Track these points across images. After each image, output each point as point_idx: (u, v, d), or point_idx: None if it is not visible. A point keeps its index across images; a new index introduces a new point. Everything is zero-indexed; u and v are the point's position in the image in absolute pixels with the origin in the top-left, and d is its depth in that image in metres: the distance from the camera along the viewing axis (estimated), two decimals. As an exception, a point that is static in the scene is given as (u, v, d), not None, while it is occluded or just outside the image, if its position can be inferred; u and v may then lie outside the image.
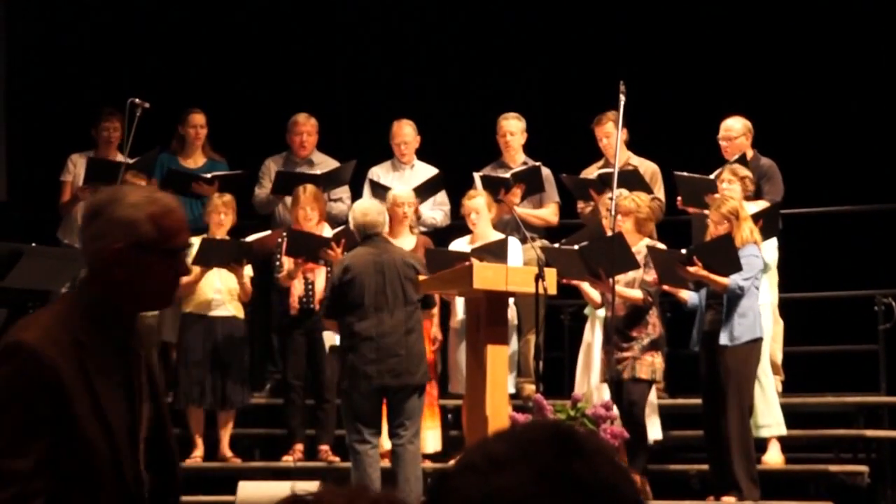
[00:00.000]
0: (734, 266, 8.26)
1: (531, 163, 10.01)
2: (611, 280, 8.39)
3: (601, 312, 8.94)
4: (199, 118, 10.31)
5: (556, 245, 9.06)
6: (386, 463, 8.73)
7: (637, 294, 8.60)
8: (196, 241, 9.43)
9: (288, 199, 9.85)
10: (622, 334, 8.55)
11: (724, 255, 8.29)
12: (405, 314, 8.40)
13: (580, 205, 10.03)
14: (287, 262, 9.43)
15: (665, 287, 8.71)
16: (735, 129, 9.47)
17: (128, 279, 3.26)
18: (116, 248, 3.25)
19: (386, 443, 8.72)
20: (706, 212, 8.80)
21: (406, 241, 9.32)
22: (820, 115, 10.85)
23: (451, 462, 6.42)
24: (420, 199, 9.82)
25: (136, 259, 3.26)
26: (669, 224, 9.78)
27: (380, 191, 9.83)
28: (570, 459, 1.83)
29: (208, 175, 9.94)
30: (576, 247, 8.70)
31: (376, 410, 8.42)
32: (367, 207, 8.66)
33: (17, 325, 3.26)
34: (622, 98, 8.71)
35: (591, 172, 9.88)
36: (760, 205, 9.02)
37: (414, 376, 8.40)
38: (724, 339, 8.32)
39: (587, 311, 9.37)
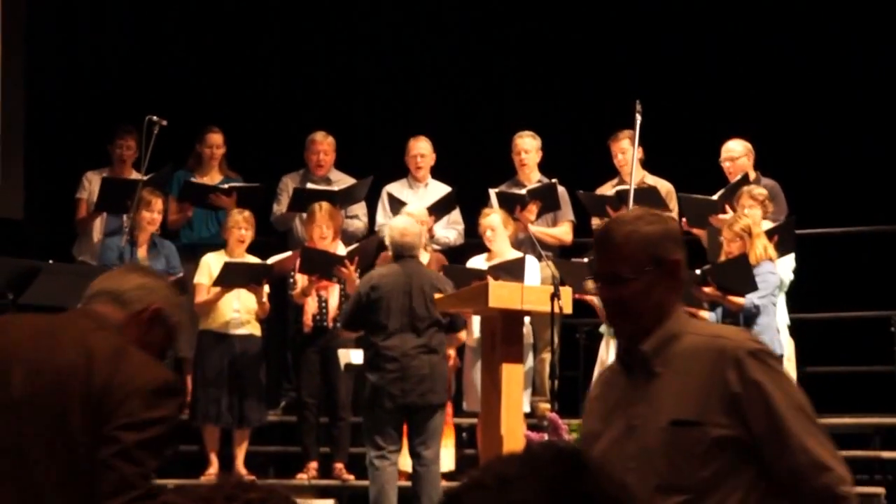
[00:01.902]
0: (750, 285, 8.23)
1: (546, 181, 10.02)
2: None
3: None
4: (216, 138, 10.33)
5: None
6: (402, 482, 8.71)
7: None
8: (214, 259, 9.48)
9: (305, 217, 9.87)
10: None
11: (740, 275, 8.27)
12: (429, 335, 8.42)
13: (595, 221, 10.03)
14: (301, 280, 9.44)
15: None
16: (736, 151, 9.54)
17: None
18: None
19: (404, 462, 8.71)
20: (722, 218, 8.80)
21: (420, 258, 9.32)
22: (837, 135, 10.85)
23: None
24: (434, 218, 9.83)
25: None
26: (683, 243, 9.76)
27: (396, 205, 9.84)
28: (578, 476, 1.87)
29: (226, 186, 9.96)
30: (585, 259, 8.71)
31: (398, 428, 8.43)
32: (405, 227, 8.67)
33: (139, 360, 3.45)
34: (638, 118, 8.72)
35: (606, 190, 9.89)
36: (769, 225, 9.01)
37: (436, 396, 8.42)
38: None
39: (602, 329, 9.36)
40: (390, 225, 8.91)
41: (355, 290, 8.72)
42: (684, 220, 9.47)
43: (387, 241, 8.78)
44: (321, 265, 9.32)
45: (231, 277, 9.31)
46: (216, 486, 2.04)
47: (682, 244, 3.36)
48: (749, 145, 9.57)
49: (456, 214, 10.20)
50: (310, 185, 10.14)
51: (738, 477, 3.15)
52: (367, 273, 8.88)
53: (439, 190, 10.15)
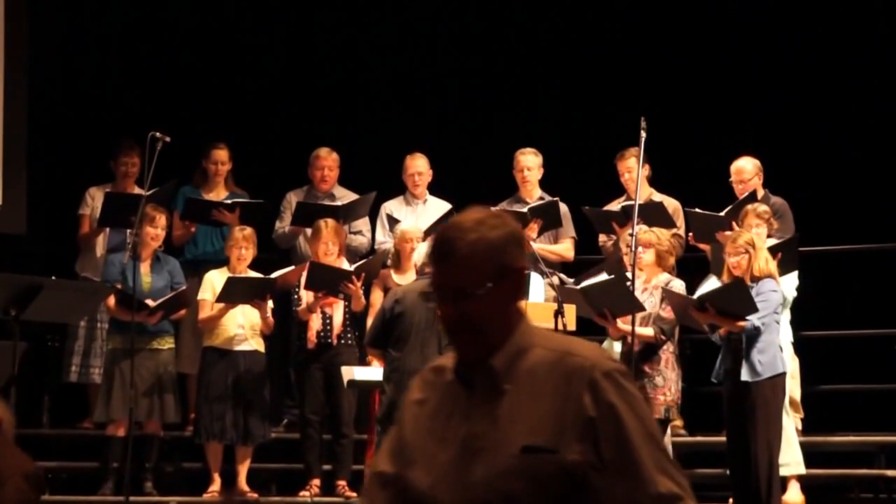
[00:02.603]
0: (750, 308, 8.21)
1: (548, 198, 10.01)
2: (626, 318, 8.37)
3: (618, 346, 8.91)
4: (221, 154, 10.33)
5: (564, 284, 9.03)
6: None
7: (648, 332, 8.55)
8: (217, 276, 9.47)
9: (309, 233, 9.86)
10: (636, 369, 8.50)
11: (738, 299, 8.24)
12: (446, 353, 8.38)
13: (602, 238, 10.02)
14: (306, 296, 9.42)
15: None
16: (747, 171, 9.53)
17: None
18: None
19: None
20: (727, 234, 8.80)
21: (412, 276, 9.28)
22: (842, 152, 10.84)
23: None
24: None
25: None
26: (688, 260, 9.75)
27: (393, 223, 9.85)
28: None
29: (229, 202, 9.96)
30: (578, 287, 8.69)
31: None
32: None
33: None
34: (643, 134, 8.72)
35: (613, 208, 9.87)
36: (773, 242, 9.00)
37: None
38: (745, 376, 8.26)
39: (605, 344, 9.34)
40: (421, 244, 8.94)
41: (380, 307, 8.69)
42: (691, 235, 9.47)
43: (415, 257, 8.78)
44: (328, 281, 9.30)
45: (234, 293, 9.29)
46: None
47: (524, 247, 3.11)
48: (758, 163, 9.56)
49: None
50: (314, 202, 10.12)
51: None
52: (392, 289, 8.88)
53: (438, 206, 10.14)
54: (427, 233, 9.66)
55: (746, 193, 9.33)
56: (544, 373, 2.96)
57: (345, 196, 10.24)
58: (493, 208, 9.38)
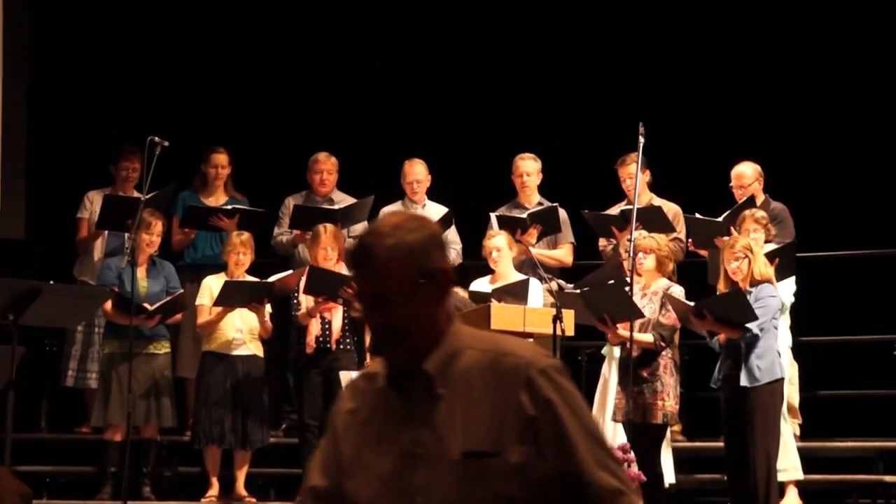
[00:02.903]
0: (748, 316, 8.21)
1: (546, 203, 10.01)
2: (626, 324, 8.37)
3: (617, 351, 8.91)
4: (221, 158, 10.33)
5: (563, 289, 9.03)
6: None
7: (647, 338, 8.55)
8: (214, 281, 9.47)
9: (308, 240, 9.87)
10: (635, 375, 8.51)
11: (737, 308, 8.24)
12: None
13: (602, 242, 10.02)
14: (306, 301, 9.41)
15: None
16: (748, 176, 9.53)
17: None
18: None
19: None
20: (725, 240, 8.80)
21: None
22: (841, 158, 10.85)
23: None
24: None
25: None
26: (687, 265, 9.75)
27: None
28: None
29: (229, 207, 9.95)
30: (578, 291, 8.70)
31: None
32: None
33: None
34: (641, 140, 8.72)
35: (613, 212, 9.88)
36: (771, 248, 9.00)
37: None
38: (744, 381, 8.26)
39: (605, 350, 9.34)
40: None
41: None
42: (690, 241, 9.48)
43: None
44: (327, 286, 9.29)
45: (232, 296, 9.29)
46: None
47: (446, 248, 3.04)
48: (759, 168, 9.56)
49: (453, 234, 10.17)
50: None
51: None
52: None
53: (436, 211, 10.13)
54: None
55: (745, 199, 9.34)
56: (480, 375, 2.91)
57: (343, 200, 10.24)
58: (493, 214, 9.25)
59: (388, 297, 2.89)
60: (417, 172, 10.26)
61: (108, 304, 9.31)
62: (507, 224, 9.73)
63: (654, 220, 9.19)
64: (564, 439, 2.88)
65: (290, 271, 9.69)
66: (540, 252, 9.84)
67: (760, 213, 8.97)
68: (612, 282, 8.66)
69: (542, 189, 10.21)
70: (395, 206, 10.27)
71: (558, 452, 2.87)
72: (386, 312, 2.90)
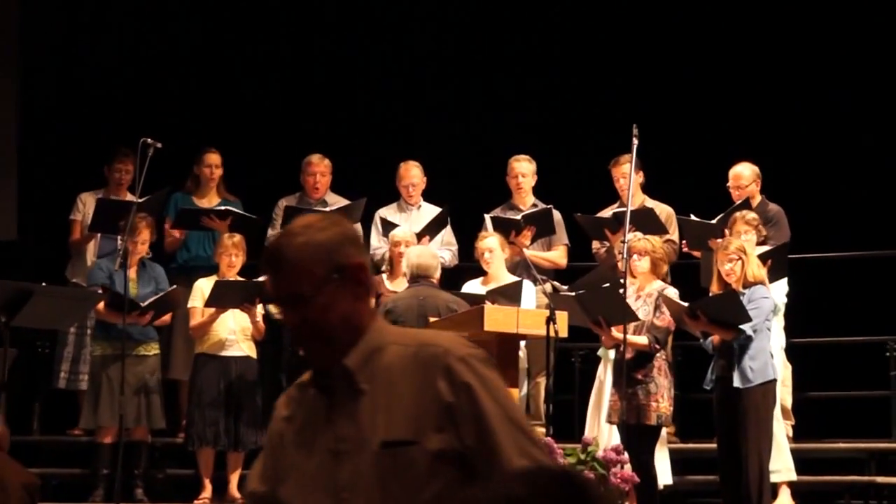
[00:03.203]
0: (742, 318, 8.21)
1: (541, 205, 10.02)
2: (620, 326, 8.37)
3: (612, 354, 8.91)
4: (214, 158, 10.32)
5: (557, 291, 9.04)
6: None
7: (642, 340, 8.55)
8: (206, 284, 9.46)
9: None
10: (629, 377, 8.51)
11: (730, 309, 8.25)
12: None
13: (595, 245, 10.03)
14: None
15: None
16: (745, 177, 9.53)
17: None
18: None
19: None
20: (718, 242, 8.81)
21: (405, 282, 9.26)
22: (832, 160, 10.86)
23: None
24: (429, 237, 9.80)
25: None
26: (680, 267, 9.76)
27: (389, 229, 9.83)
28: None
29: (221, 208, 9.93)
30: (572, 294, 8.70)
31: None
32: (421, 251, 8.73)
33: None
34: (635, 141, 8.72)
35: (605, 215, 9.88)
36: (763, 249, 9.01)
37: None
38: (737, 382, 8.28)
39: (600, 352, 9.34)
40: (409, 251, 8.93)
41: None
42: (684, 242, 9.49)
43: (404, 266, 8.77)
44: None
45: (223, 297, 9.27)
46: None
47: (363, 246, 3.04)
48: (756, 169, 9.57)
49: (449, 235, 10.18)
50: (307, 209, 10.10)
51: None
52: (382, 300, 8.87)
53: (431, 213, 10.13)
54: (420, 235, 9.67)
55: (740, 200, 9.34)
56: (401, 367, 2.89)
57: (337, 203, 10.23)
58: (488, 216, 9.23)
59: (302, 296, 2.89)
60: (413, 175, 10.26)
61: (101, 304, 9.29)
62: (502, 225, 9.73)
63: (646, 223, 9.20)
64: (483, 424, 2.84)
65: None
66: (534, 254, 9.85)
67: (751, 215, 8.98)
68: (607, 284, 8.66)
69: (536, 191, 10.21)
70: (390, 208, 10.28)
71: (477, 437, 2.83)
72: (302, 311, 2.90)
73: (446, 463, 2.84)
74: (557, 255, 10.11)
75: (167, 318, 9.57)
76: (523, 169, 10.13)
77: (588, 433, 8.83)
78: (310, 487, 2.92)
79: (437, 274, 8.73)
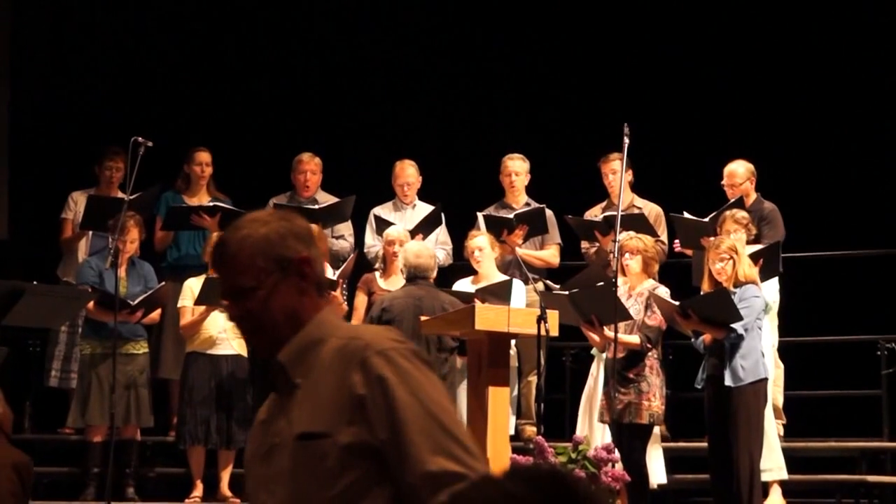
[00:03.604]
0: (733, 316, 8.22)
1: (534, 204, 10.02)
2: (612, 325, 8.38)
3: (604, 353, 8.92)
4: (204, 156, 10.32)
5: (550, 290, 9.04)
6: None
7: (634, 339, 8.56)
8: (195, 283, 9.45)
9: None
10: (620, 376, 8.52)
11: (721, 308, 8.26)
12: (439, 360, 8.38)
13: (584, 245, 10.04)
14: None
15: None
16: (739, 175, 9.52)
17: None
18: None
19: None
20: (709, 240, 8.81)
21: (399, 280, 9.27)
22: (823, 159, 10.88)
23: None
24: (422, 235, 9.80)
25: None
26: (671, 266, 9.77)
27: (384, 227, 9.83)
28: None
29: (210, 205, 9.92)
30: (566, 293, 8.70)
31: None
32: (419, 250, 8.71)
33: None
34: (626, 140, 8.73)
35: (595, 213, 9.90)
36: (755, 249, 9.01)
37: None
38: (728, 381, 8.29)
39: (594, 351, 9.35)
40: (405, 248, 8.92)
41: (367, 316, 8.69)
42: (677, 241, 9.49)
43: (400, 264, 8.76)
44: None
45: (213, 294, 9.25)
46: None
47: (310, 241, 2.99)
48: (751, 167, 9.57)
49: (444, 235, 10.18)
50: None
51: (377, 492, 2.80)
52: (380, 296, 8.87)
53: (426, 211, 10.13)
54: (413, 232, 9.66)
55: (734, 198, 9.35)
56: (329, 361, 2.88)
57: (327, 201, 10.22)
58: (480, 214, 9.22)
59: (244, 290, 2.91)
60: (409, 175, 10.25)
61: (90, 303, 9.29)
62: (494, 224, 9.73)
63: (636, 227, 9.19)
64: (395, 418, 2.77)
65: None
66: (526, 252, 9.85)
67: (741, 214, 8.98)
68: (601, 283, 8.66)
69: (529, 189, 10.21)
70: (385, 207, 10.28)
71: (390, 433, 2.78)
72: (243, 305, 2.92)
73: (358, 457, 2.79)
74: (550, 254, 10.11)
75: (156, 315, 9.57)
76: (516, 167, 10.14)
77: (580, 432, 8.83)
78: (255, 483, 2.95)
79: (434, 274, 8.74)
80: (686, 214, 9.40)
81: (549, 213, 9.96)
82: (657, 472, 8.88)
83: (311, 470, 2.83)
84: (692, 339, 8.59)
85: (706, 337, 8.44)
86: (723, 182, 9.59)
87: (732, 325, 8.23)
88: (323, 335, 2.92)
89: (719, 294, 8.32)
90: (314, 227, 9.44)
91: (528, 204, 10.08)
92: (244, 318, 2.94)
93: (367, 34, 12.13)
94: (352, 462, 2.80)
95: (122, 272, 9.46)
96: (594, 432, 8.88)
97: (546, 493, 1.94)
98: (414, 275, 8.55)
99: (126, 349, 9.43)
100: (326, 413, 2.84)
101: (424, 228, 9.88)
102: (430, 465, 2.74)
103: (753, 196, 9.54)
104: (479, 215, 9.89)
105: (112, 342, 9.10)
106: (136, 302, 9.24)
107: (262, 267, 2.91)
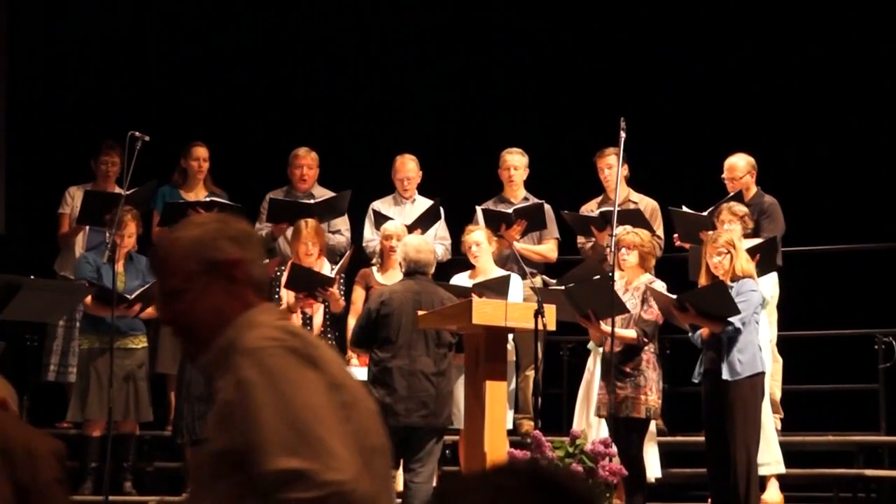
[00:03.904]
0: (730, 310, 8.22)
1: (532, 198, 10.01)
2: (608, 319, 8.37)
3: (601, 348, 8.91)
4: (201, 151, 10.32)
5: (547, 286, 9.03)
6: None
7: (630, 334, 8.55)
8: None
9: (289, 235, 9.87)
10: (617, 370, 8.51)
11: (719, 300, 8.25)
12: (437, 355, 8.37)
13: (580, 240, 10.03)
14: (287, 296, 9.40)
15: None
16: (740, 168, 9.51)
17: None
18: None
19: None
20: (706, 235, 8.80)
21: (396, 275, 9.25)
22: (821, 154, 10.87)
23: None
24: (421, 230, 9.79)
25: None
26: (667, 261, 9.76)
27: (383, 222, 9.81)
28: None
29: (207, 200, 9.92)
30: (562, 288, 8.69)
31: (401, 445, 8.30)
32: (420, 244, 8.67)
33: None
34: (622, 135, 8.71)
35: (591, 207, 9.90)
36: (752, 243, 9.00)
37: (438, 419, 8.36)
38: (725, 375, 8.28)
39: (590, 345, 9.35)
40: (405, 241, 8.90)
41: (365, 307, 8.67)
42: (676, 235, 9.48)
43: (399, 257, 8.74)
44: (307, 284, 9.28)
45: None
46: None
47: (246, 242, 2.96)
48: (752, 160, 9.55)
49: (444, 230, 10.16)
50: (294, 203, 10.10)
51: (249, 499, 2.73)
52: (378, 289, 8.85)
53: (426, 206, 10.12)
54: (411, 227, 9.65)
55: (734, 192, 9.34)
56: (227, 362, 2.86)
57: (323, 195, 10.21)
58: (479, 208, 9.20)
59: (174, 291, 2.90)
60: (409, 169, 10.23)
61: (88, 297, 9.28)
62: (493, 218, 9.73)
63: (632, 222, 9.17)
64: (251, 421, 2.71)
65: (266, 261, 9.62)
66: (524, 247, 9.84)
67: (738, 207, 8.98)
68: (597, 277, 8.66)
69: (526, 183, 10.20)
70: (385, 201, 10.26)
71: (245, 434, 2.72)
72: (172, 307, 2.91)
73: (229, 465, 2.75)
74: (548, 249, 10.11)
75: (153, 310, 9.55)
76: (515, 161, 10.13)
77: (576, 426, 8.83)
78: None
79: (433, 269, 8.72)
80: (685, 209, 9.39)
81: (547, 207, 9.95)
82: (652, 467, 8.88)
83: (196, 478, 2.84)
84: (689, 334, 8.58)
85: (703, 331, 8.44)
86: (723, 175, 9.58)
87: (730, 319, 8.23)
88: (237, 336, 2.88)
89: (717, 288, 8.31)
90: (313, 222, 9.50)
91: (526, 199, 10.07)
92: (173, 320, 2.93)
93: (365, 28, 12.12)
94: (223, 470, 2.76)
95: (119, 267, 9.46)
96: (592, 427, 8.87)
97: (536, 487, 1.94)
98: (414, 269, 8.53)
99: (124, 343, 9.43)
100: (212, 418, 2.85)
101: (423, 223, 9.86)
102: (275, 465, 2.68)
103: (754, 190, 9.53)
104: (478, 209, 9.88)
105: (111, 337, 9.10)
106: (133, 296, 9.24)
107: (193, 269, 2.90)
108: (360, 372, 9.03)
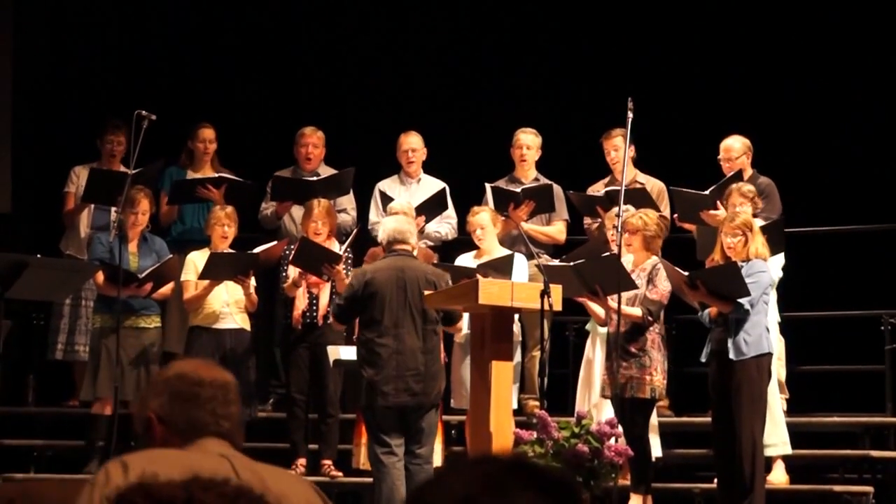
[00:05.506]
0: (741, 291, 8.20)
1: (543, 179, 9.99)
2: (616, 296, 8.36)
3: (603, 329, 8.90)
4: (208, 133, 10.29)
5: (553, 262, 9.02)
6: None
7: (636, 312, 8.54)
8: (199, 256, 9.44)
9: (295, 214, 9.85)
10: (622, 350, 8.50)
11: (730, 281, 8.23)
12: (424, 333, 8.34)
13: (587, 221, 10.02)
14: (292, 271, 9.40)
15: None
16: (735, 149, 9.51)
17: None
18: None
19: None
20: (719, 218, 8.77)
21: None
22: (828, 133, 10.84)
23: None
24: (426, 218, 9.78)
25: None
26: (674, 241, 9.75)
27: (388, 202, 9.79)
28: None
29: (216, 176, 9.90)
30: (571, 264, 8.68)
31: (399, 423, 8.31)
32: (397, 219, 8.63)
33: None
34: (630, 115, 8.69)
35: (598, 189, 9.88)
36: (759, 224, 8.99)
37: (429, 396, 8.35)
38: (732, 355, 8.27)
39: (588, 326, 9.34)
40: (384, 219, 8.86)
41: (348, 284, 8.64)
42: (675, 215, 9.46)
43: (380, 236, 8.68)
44: (315, 259, 9.26)
45: (217, 269, 9.24)
46: (183, 485, 2.02)
47: None
48: (748, 142, 9.55)
49: (450, 209, 10.13)
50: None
51: None
52: (361, 267, 8.82)
53: (432, 185, 10.10)
54: (418, 210, 9.63)
55: (732, 173, 9.33)
56: None
57: (328, 174, 10.19)
58: (489, 185, 9.21)
59: None
60: (412, 142, 10.21)
61: (100, 277, 9.28)
62: (502, 196, 9.71)
63: (638, 202, 9.17)
64: None
65: (275, 242, 9.65)
66: (533, 227, 9.83)
67: (748, 187, 8.96)
68: (606, 254, 8.64)
69: (537, 164, 10.17)
70: (390, 181, 10.24)
71: None
72: None
73: None
74: (556, 230, 10.09)
75: (167, 290, 9.51)
76: (528, 141, 10.09)
77: (579, 407, 8.83)
78: None
79: (414, 241, 8.63)
80: (684, 188, 9.38)
81: (557, 188, 9.93)
82: (653, 447, 8.87)
83: None
84: (699, 314, 8.57)
85: (712, 310, 8.43)
86: (719, 157, 9.56)
87: (739, 300, 8.21)
88: None
89: (729, 267, 8.29)
90: (326, 203, 9.48)
91: (537, 179, 10.05)
92: None
93: (371, 7, 12.09)
94: None
95: (133, 247, 9.46)
96: (594, 409, 8.88)
97: (522, 475, 1.96)
98: (392, 242, 8.41)
99: (137, 323, 9.43)
100: None
101: (429, 211, 9.83)
102: None
103: (749, 171, 9.51)
104: (488, 186, 9.86)
105: (124, 315, 9.10)
106: (143, 275, 9.24)
107: None
108: (347, 351, 9.03)
